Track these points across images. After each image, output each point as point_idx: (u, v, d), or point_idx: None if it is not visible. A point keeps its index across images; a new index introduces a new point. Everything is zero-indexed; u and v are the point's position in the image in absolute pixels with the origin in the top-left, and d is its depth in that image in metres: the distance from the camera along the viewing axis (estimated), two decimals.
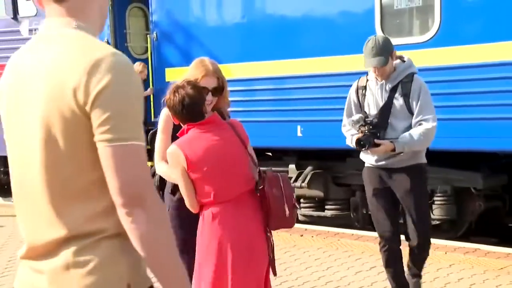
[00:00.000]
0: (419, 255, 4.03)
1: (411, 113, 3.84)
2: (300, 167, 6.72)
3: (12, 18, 8.85)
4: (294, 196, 3.15)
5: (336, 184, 6.63)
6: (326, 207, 6.68)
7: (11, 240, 6.81)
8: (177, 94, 2.96)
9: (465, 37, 5.50)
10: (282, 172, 6.72)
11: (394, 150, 3.80)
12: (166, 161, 3.08)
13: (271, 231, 3.07)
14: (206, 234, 2.94)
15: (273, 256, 3.07)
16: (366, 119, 3.88)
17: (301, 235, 6.01)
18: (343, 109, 4.16)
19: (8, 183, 9.78)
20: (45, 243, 1.48)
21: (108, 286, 1.46)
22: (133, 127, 1.42)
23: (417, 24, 6.05)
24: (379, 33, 5.71)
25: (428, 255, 4.09)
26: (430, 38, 5.70)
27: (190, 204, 2.97)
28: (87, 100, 1.39)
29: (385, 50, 3.79)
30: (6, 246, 6.54)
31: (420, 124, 3.81)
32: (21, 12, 8.82)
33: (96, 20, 1.57)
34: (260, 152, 7.31)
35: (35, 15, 8.73)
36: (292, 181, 6.63)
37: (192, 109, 2.96)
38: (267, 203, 2.99)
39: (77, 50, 1.44)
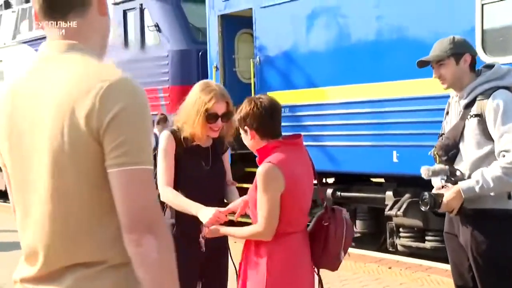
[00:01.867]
0: None
1: (490, 139, 2.93)
2: (397, 194, 6.39)
3: (140, 48, 9.51)
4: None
5: (436, 214, 6.20)
6: (426, 238, 6.27)
7: None
8: (259, 102, 2.74)
9: None
10: (380, 198, 6.52)
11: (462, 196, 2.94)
12: (171, 186, 2.97)
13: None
14: (276, 267, 2.67)
15: None
16: (450, 176, 3.01)
17: (390, 268, 5.69)
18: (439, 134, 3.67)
19: None
20: (49, 269, 1.46)
21: None
22: (145, 151, 1.41)
23: None
24: (480, 53, 5.29)
25: None
26: None
27: (269, 232, 2.65)
28: (100, 126, 1.38)
29: (445, 48, 3.06)
30: None
31: (503, 156, 2.89)
32: (148, 42, 9.45)
33: (97, 42, 1.55)
34: (359, 178, 7.10)
35: (158, 44, 9.30)
36: (387, 209, 6.34)
37: (279, 118, 2.79)
38: (325, 241, 2.79)
39: (87, 75, 1.42)
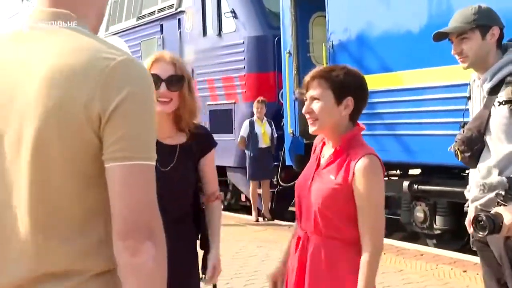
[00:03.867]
0: None
1: None
2: None
3: (217, 35, 9.35)
4: None
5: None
6: None
7: None
8: (362, 76, 2.20)
9: None
10: (460, 192, 5.92)
11: None
12: None
13: None
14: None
15: None
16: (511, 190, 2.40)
17: (464, 271, 5.11)
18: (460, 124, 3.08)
19: None
20: (22, 281, 1.27)
21: None
22: (150, 144, 1.26)
23: None
24: None
25: None
26: None
27: (382, 242, 2.11)
28: (102, 115, 1.20)
29: (469, 19, 2.54)
30: None
31: None
32: (224, 29, 9.26)
33: (91, 15, 1.34)
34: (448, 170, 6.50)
35: (234, 31, 9.09)
36: (466, 205, 5.74)
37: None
38: None
39: (84, 54, 1.23)
